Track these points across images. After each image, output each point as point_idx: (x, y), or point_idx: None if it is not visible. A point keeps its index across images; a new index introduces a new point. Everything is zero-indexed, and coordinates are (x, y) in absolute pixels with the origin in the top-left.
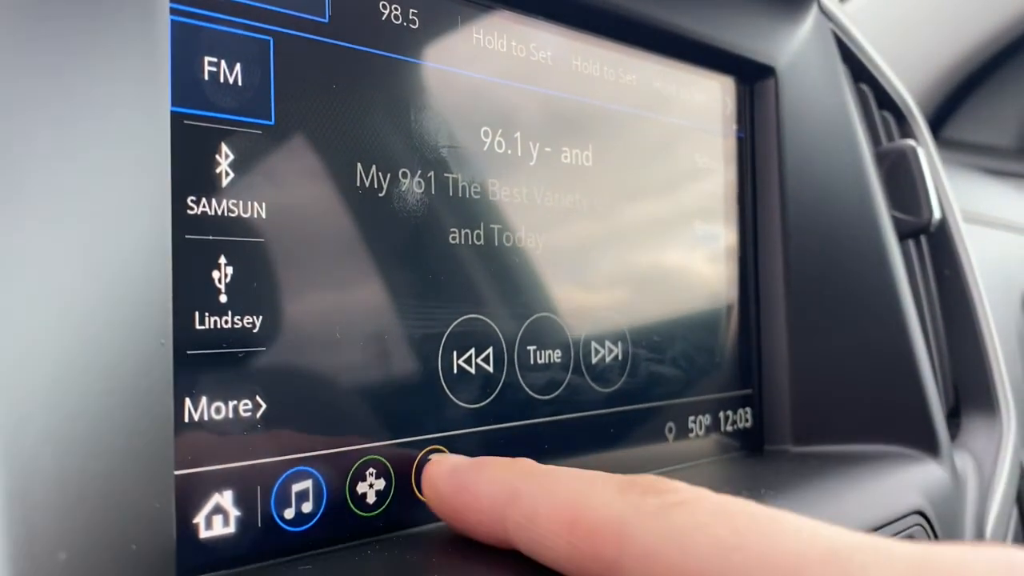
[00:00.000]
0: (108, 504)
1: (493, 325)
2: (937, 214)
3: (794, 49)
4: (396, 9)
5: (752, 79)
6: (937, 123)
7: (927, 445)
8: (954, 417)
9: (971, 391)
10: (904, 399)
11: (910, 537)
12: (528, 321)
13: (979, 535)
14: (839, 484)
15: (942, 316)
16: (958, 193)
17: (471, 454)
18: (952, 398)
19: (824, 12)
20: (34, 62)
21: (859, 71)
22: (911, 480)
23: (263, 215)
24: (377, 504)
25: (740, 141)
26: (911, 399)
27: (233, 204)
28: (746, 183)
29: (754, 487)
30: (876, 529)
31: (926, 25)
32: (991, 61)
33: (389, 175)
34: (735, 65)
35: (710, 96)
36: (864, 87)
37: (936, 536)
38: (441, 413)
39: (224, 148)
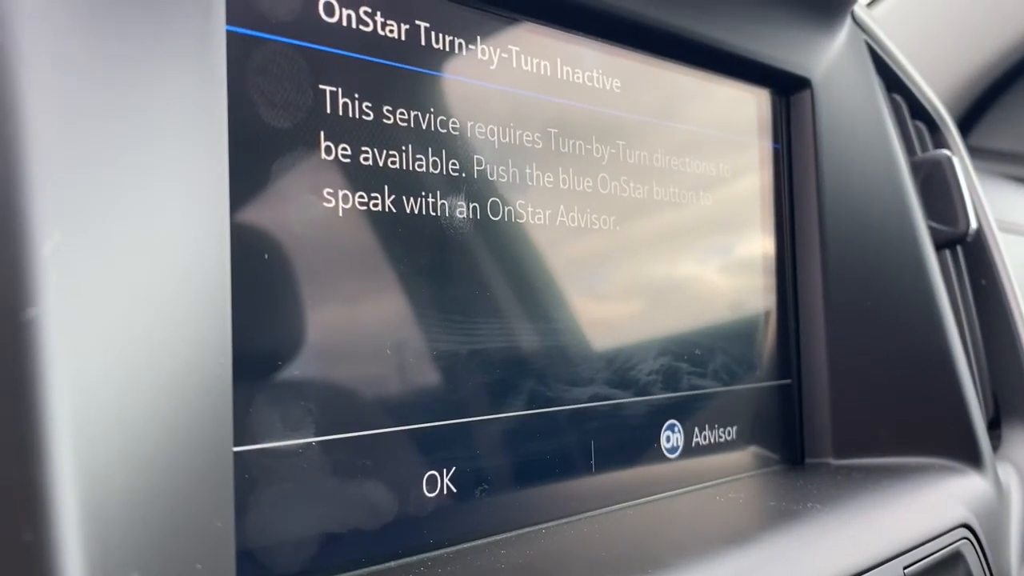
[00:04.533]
0: (174, 522)
1: (536, 342)
2: (973, 224)
3: (829, 61)
4: (429, 29)
5: (788, 91)
6: (964, 130)
7: (970, 457)
8: (994, 428)
9: (1011, 401)
10: (945, 410)
11: (957, 552)
12: (568, 336)
13: None
14: (884, 497)
15: (980, 326)
16: (987, 201)
17: (512, 470)
18: (992, 408)
19: (858, 23)
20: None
21: (892, 81)
22: (955, 493)
23: (313, 235)
24: (427, 521)
25: (777, 152)
26: (952, 410)
27: (285, 224)
28: (783, 194)
29: (799, 500)
30: (923, 543)
31: (951, 32)
32: (1016, 67)
33: (428, 200)
34: (771, 77)
35: (746, 108)
36: (897, 97)
37: (983, 550)
38: (484, 433)
39: (275, 167)
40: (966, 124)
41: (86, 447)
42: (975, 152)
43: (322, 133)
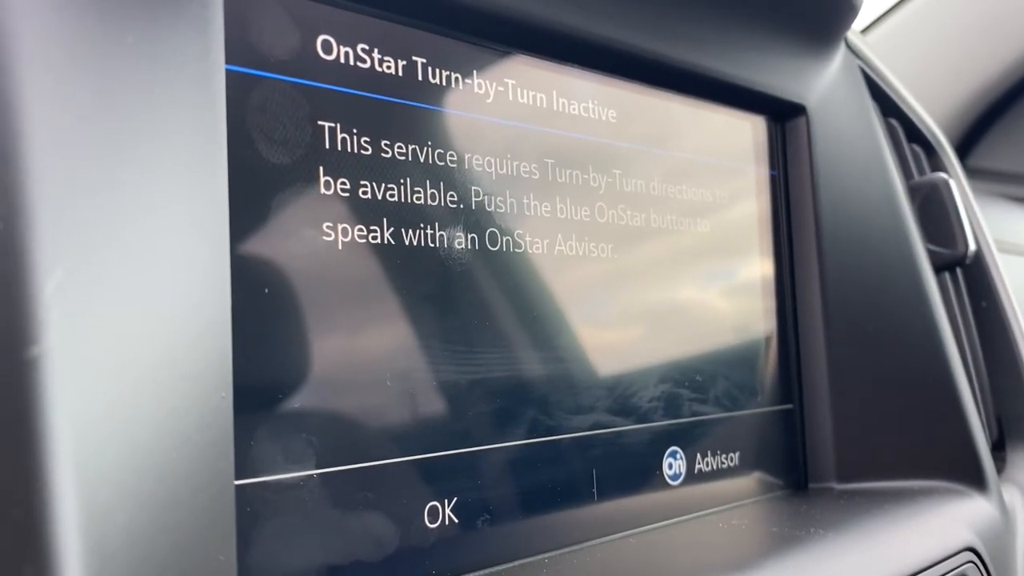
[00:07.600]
0: (177, 557)
1: (536, 371)
2: (972, 246)
3: (824, 87)
4: (426, 64)
5: (783, 118)
6: (963, 152)
7: (974, 479)
8: (999, 450)
9: (1015, 422)
10: (948, 432)
11: (963, 575)
12: (569, 364)
13: None
14: (888, 522)
15: (981, 348)
16: (987, 222)
17: (514, 500)
18: (996, 430)
19: (852, 49)
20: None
21: (888, 106)
22: (960, 516)
23: (313, 269)
24: (428, 553)
25: (773, 179)
26: (955, 432)
27: (285, 258)
28: (781, 220)
29: (802, 526)
30: (928, 568)
31: (948, 56)
32: (1015, 88)
33: (427, 231)
34: (766, 104)
35: (742, 135)
36: (893, 121)
37: (988, 573)
38: (485, 462)
39: (275, 202)
40: (966, 145)
41: (88, 484)
42: (975, 173)
43: (321, 168)
